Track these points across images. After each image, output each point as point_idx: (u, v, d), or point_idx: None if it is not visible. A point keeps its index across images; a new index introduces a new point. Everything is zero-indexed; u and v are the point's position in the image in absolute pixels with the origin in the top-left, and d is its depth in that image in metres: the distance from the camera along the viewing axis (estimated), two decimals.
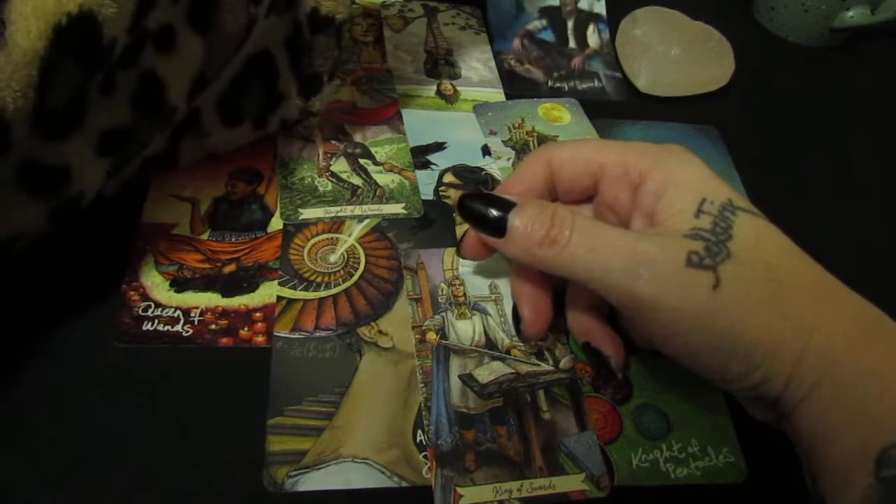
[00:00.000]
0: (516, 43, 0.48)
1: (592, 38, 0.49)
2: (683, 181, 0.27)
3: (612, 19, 0.51)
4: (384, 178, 0.38)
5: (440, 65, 0.45)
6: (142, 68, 0.27)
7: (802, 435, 0.25)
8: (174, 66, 0.28)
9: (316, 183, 0.37)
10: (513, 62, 0.46)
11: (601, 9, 0.51)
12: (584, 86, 0.46)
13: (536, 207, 0.27)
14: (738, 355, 0.24)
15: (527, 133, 0.42)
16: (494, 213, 0.28)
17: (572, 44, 0.49)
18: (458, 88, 0.44)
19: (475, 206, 0.28)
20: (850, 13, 0.51)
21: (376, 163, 0.39)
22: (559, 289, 0.32)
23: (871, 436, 0.22)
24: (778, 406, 0.25)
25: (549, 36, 0.49)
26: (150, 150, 0.31)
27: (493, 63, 0.46)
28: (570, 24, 0.50)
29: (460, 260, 0.35)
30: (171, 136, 0.32)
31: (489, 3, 0.49)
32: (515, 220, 0.27)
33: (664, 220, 0.26)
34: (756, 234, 0.26)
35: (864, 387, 0.23)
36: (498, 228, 0.28)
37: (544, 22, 0.49)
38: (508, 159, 0.41)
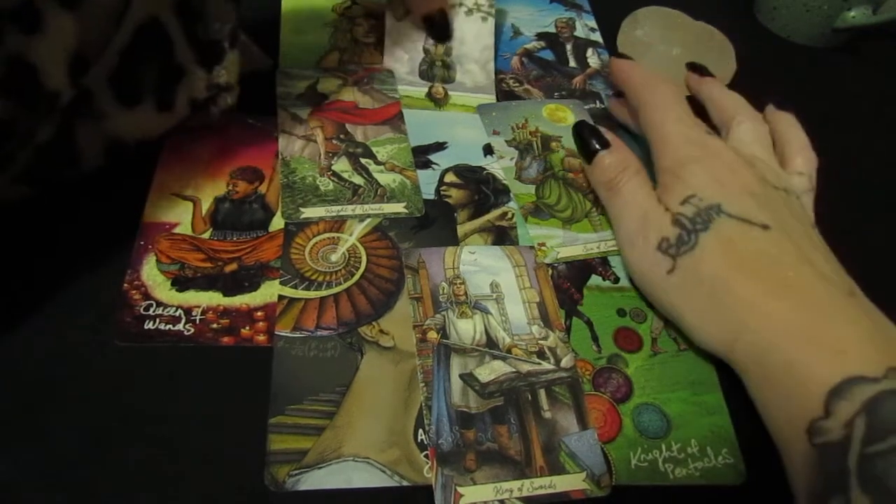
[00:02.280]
0: (515, 61, 0.47)
1: (593, 59, 0.48)
2: (687, 182, 0.32)
3: (613, 19, 0.50)
4: (385, 178, 0.38)
5: (436, 66, 0.45)
6: (7, 52, 0.25)
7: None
8: (46, 48, 0.26)
9: (317, 182, 0.37)
10: (511, 82, 0.45)
11: (598, 37, 0.50)
12: (586, 106, 0.45)
13: (617, 157, 0.35)
14: (681, 327, 0.32)
15: (530, 133, 0.42)
16: (595, 145, 0.36)
17: (573, 63, 0.48)
18: (450, 92, 0.44)
19: (584, 133, 0.37)
20: (852, 13, 0.51)
21: (378, 162, 0.39)
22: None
23: (798, 412, 0.26)
24: None
25: (548, 55, 0.48)
26: (39, 138, 0.29)
27: (491, 65, 0.46)
28: (568, 46, 0.49)
29: (461, 259, 0.35)
30: (61, 121, 0.30)
31: None
32: (605, 158, 0.35)
33: (666, 202, 0.33)
34: (731, 235, 0.30)
35: (785, 376, 0.27)
36: (589, 157, 0.36)
37: (543, 43, 0.49)
38: (511, 159, 0.41)
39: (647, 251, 0.32)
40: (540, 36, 0.49)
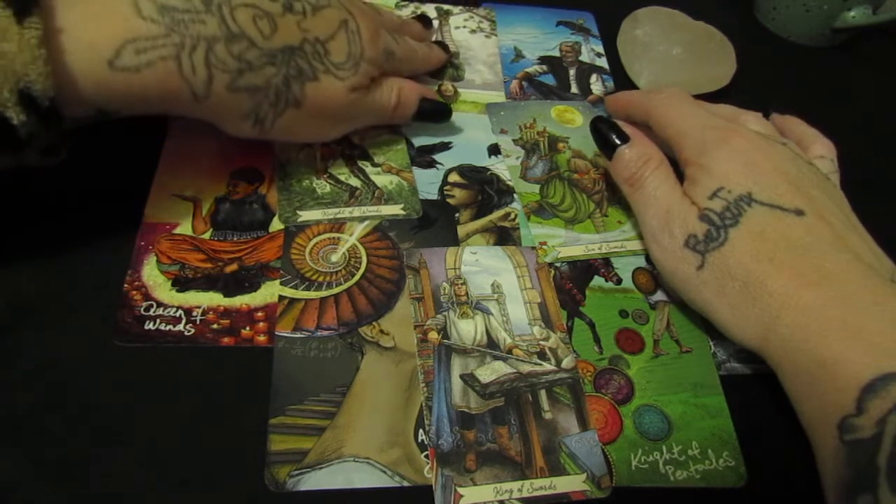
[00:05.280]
0: (514, 85, 0.45)
1: (596, 85, 0.47)
2: (714, 172, 0.31)
3: (613, 19, 0.50)
4: (382, 180, 0.38)
5: (445, 66, 0.45)
6: None
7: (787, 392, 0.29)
8: None
9: (314, 185, 0.37)
10: None
11: (603, 63, 0.48)
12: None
13: (638, 150, 0.34)
14: (714, 323, 0.31)
15: (538, 133, 0.42)
16: (614, 140, 0.35)
17: (575, 90, 0.46)
18: (459, 90, 0.44)
19: (602, 128, 0.36)
20: (852, 13, 0.51)
21: (374, 164, 0.39)
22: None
23: (830, 408, 0.26)
24: None
25: (549, 80, 0.46)
26: None
27: (499, 67, 0.46)
28: (571, 71, 0.47)
29: (463, 259, 0.35)
30: None
31: None
32: (626, 152, 0.35)
33: (692, 196, 0.32)
34: (762, 226, 0.30)
35: (818, 372, 0.26)
36: (609, 153, 0.36)
37: (544, 67, 0.47)
38: (517, 158, 0.41)
39: (673, 248, 0.31)
40: (542, 59, 0.48)
